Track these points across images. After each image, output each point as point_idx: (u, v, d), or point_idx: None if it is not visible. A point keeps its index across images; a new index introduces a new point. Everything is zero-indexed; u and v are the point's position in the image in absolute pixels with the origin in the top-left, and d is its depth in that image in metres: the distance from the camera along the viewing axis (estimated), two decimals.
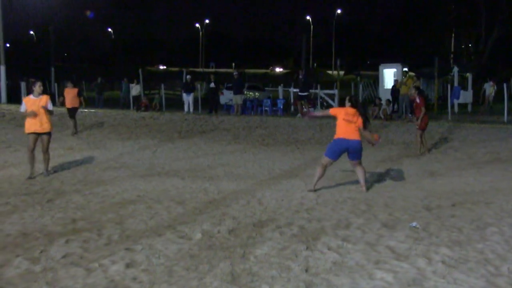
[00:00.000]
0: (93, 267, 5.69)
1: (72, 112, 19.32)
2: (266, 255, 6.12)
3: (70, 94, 19.30)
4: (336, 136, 9.59)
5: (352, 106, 9.67)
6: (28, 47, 66.10)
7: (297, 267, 5.73)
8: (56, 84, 36.63)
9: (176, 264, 5.81)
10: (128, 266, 5.75)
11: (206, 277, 5.43)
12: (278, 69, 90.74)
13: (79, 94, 19.69)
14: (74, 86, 19.95)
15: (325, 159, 9.70)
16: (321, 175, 9.73)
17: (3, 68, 36.47)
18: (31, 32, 76.16)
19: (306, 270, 5.63)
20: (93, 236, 6.82)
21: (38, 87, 11.12)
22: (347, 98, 10.01)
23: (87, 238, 6.73)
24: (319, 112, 9.52)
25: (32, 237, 6.76)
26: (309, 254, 6.13)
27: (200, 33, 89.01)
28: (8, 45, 44.91)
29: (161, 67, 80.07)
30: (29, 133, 11.12)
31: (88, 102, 35.07)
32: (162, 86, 33.82)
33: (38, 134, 11.10)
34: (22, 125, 17.54)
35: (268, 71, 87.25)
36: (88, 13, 68.08)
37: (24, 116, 11.21)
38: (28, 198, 9.05)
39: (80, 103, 19.63)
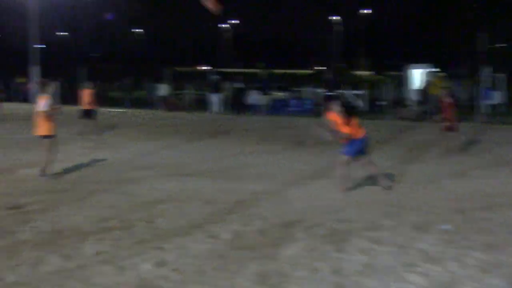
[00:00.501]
0: (124, 266, 5.73)
1: (88, 113, 19.18)
2: (295, 256, 6.11)
3: (86, 95, 19.19)
4: (360, 135, 9.61)
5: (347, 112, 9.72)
6: (62, 48, 66.97)
7: (327, 268, 5.70)
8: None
9: (206, 264, 5.83)
10: (158, 265, 5.78)
11: (236, 277, 5.44)
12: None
13: (94, 96, 19.44)
14: (93, 87, 19.76)
15: (347, 158, 9.71)
16: (348, 174, 9.75)
17: (37, 68, 37.15)
18: (65, 33, 77.03)
19: (336, 272, 5.60)
20: (124, 234, 6.88)
21: (52, 88, 10.93)
22: (337, 104, 9.93)
23: (118, 236, 6.78)
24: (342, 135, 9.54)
25: (65, 234, 6.84)
26: (338, 256, 6.10)
27: (228, 33, 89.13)
28: (43, 46, 45.58)
29: (204, 68, 79.48)
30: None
31: (116, 102, 35.49)
32: (190, 86, 34.02)
33: None
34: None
35: (312, 71, 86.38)
36: (108, 15, 68.48)
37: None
38: (60, 196, 9.15)
39: (95, 105, 19.35)
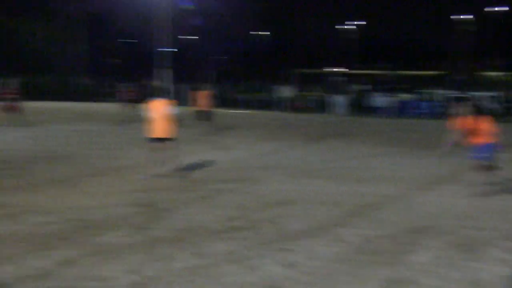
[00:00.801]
0: (253, 266, 5.77)
1: (204, 114, 19.54)
2: (427, 263, 5.88)
3: (203, 97, 19.58)
4: (491, 139, 9.19)
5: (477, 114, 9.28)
6: (193, 51, 69.47)
7: (462, 278, 5.43)
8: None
9: (335, 267, 5.74)
10: (286, 266, 5.77)
11: (366, 283, 5.31)
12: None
13: (211, 97, 19.74)
14: (210, 89, 20.10)
15: (478, 162, 9.30)
16: (476, 179, 9.35)
17: (170, 72, 38.90)
18: (194, 37, 79.75)
19: (473, 283, 5.32)
20: (252, 234, 6.94)
21: (170, 91, 11.19)
22: (466, 106, 9.49)
23: (246, 236, 6.86)
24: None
25: (195, 232, 7.01)
26: (475, 266, 5.79)
27: (354, 34, 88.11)
28: (175, 50, 47.53)
29: (328, 70, 79.24)
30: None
31: (242, 104, 36.23)
32: (314, 87, 34.06)
33: None
34: (188, 125, 18.35)
35: (440, 72, 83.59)
36: (199, 20, 69.58)
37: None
38: (188, 195, 9.39)
39: (212, 106, 19.66)
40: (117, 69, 62.11)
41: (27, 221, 7.42)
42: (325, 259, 6.02)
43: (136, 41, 69.06)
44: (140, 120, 10.81)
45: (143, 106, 11.24)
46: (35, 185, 9.92)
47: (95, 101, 42.46)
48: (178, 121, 11.10)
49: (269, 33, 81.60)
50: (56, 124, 22.81)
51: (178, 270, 5.63)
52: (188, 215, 7.94)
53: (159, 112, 10.93)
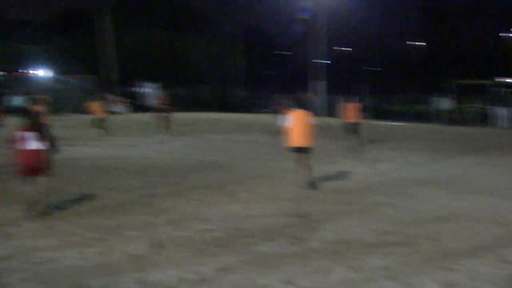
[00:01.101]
0: (411, 283, 5.57)
1: (352, 126, 19.16)
2: None
3: (351, 109, 19.27)
4: None
5: None
6: (346, 63, 69.46)
7: None
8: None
9: None
10: (446, 286, 5.51)
11: None
12: None
13: (359, 109, 19.35)
14: (357, 101, 19.80)
15: None
16: None
17: (324, 83, 39.21)
18: (348, 48, 79.67)
19: None
20: (409, 251, 6.71)
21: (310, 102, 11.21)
22: None
23: (403, 252, 6.63)
24: None
25: (350, 246, 6.92)
26: None
27: None
28: (328, 62, 47.82)
29: (489, 80, 75.45)
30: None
31: (397, 115, 35.47)
32: (474, 99, 32.52)
33: None
34: (337, 137, 18.34)
35: None
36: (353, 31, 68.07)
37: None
38: (342, 207, 9.30)
39: (360, 118, 19.27)
40: (272, 80, 63.54)
41: (188, 227, 7.76)
42: (489, 281, 5.66)
43: (290, 53, 70.29)
44: (286, 130, 10.96)
45: (283, 116, 11.39)
46: (193, 192, 10.38)
47: (251, 112, 43.75)
48: (317, 132, 11.10)
49: (425, 43, 79.06)
50: (213, 134, 23.79)
51: (334, 283, 5.58)
52: (342, 228, 7.85)
53: (299, 123, 11.03)
